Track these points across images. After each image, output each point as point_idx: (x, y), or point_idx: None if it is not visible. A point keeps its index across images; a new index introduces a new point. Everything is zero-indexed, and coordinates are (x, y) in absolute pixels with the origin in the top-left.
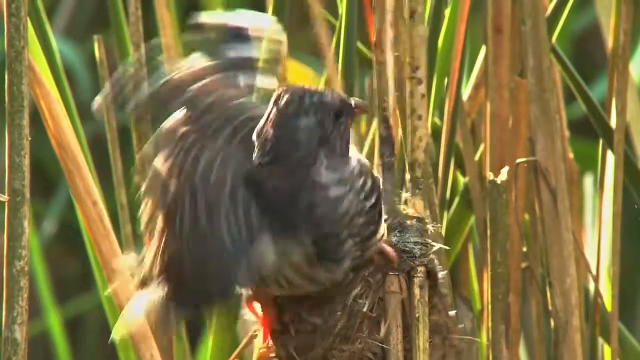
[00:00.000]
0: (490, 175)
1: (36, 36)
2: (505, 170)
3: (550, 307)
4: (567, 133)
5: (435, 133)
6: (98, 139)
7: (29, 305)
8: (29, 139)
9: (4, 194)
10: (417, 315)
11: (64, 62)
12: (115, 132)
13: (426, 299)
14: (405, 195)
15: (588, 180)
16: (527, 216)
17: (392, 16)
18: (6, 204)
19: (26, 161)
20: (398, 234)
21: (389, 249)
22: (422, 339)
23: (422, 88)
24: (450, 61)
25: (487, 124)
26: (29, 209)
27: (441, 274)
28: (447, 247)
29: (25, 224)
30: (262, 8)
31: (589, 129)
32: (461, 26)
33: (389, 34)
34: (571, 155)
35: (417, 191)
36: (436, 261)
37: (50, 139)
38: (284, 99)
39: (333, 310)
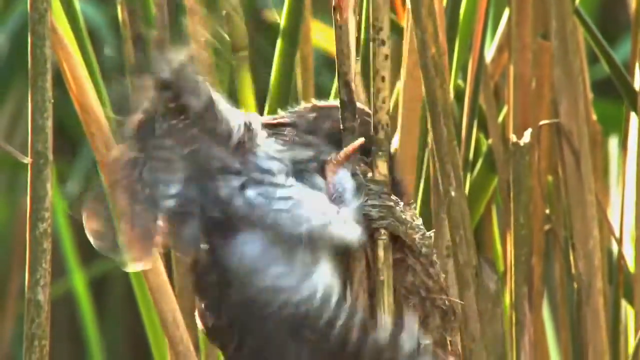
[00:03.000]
0: (513, 138)
1: None
2: (528, 132)
3: (573, 270)
4: (590, 95)
5: (459, 95)
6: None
7: (52, 267)
8: (52, 101)
9: (26, 156)
10: (381, 278)
11: (87, 23)
12: None
13: (390, 261)
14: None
15: (612, 142)
16: (550, 178)
17: None
18: (29, 166)
19: (49, 123)
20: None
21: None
22: (386, 302)
23: (385, 49)
24: (474, 23)
25: (510, 86)
26: (52, 171)
27: (419, 236)
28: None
29: (48, 186)
30: None
31: (612, 91)
32: None
33: None
34: (594, 117)
35: (380, 153)
36: (411, 222)
37: (73, 101)
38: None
39: None
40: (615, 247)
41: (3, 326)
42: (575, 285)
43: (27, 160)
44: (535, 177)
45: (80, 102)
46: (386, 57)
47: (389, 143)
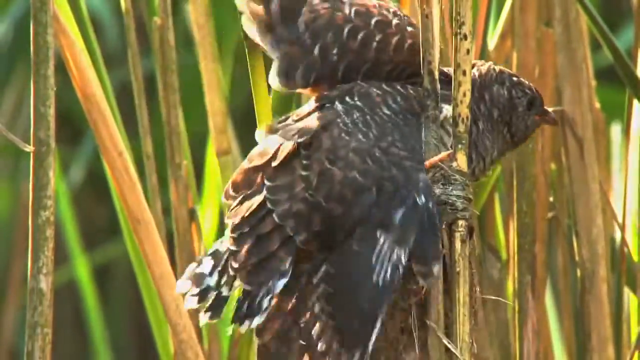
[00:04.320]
0: None
1: None
2: None
3: (576, 257)
4: (593, 82)
5: None
6: (124, 89)
7: (56, 255)
8: (54, 89)
9: (29, 144)
10: (457, 269)
11: (90, 11)
12: (141, 82)
13: (467, 253)
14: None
15: (614, 129)
16: (553, 166)
17: None
18: (31, 154)
19: (51, 111)
20: (441, 187)
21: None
22: (462, 293)
23: (467, 44)
24: (477, 10)
25: None
26: (55, 158)
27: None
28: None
29: (51, 173)
30: None
31: (615, 78)
32: None
33: None
34: (597, 104)
35: (460, 146)
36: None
37: (75, 89)
38: (485, 67)
39: None
40: (618, 234)
41: (6, 314)
42: (579, 273)
43: (30, 148)
44: (538, 164)
45: (83, 89)
46: (468, 51)
47: (469, 136)
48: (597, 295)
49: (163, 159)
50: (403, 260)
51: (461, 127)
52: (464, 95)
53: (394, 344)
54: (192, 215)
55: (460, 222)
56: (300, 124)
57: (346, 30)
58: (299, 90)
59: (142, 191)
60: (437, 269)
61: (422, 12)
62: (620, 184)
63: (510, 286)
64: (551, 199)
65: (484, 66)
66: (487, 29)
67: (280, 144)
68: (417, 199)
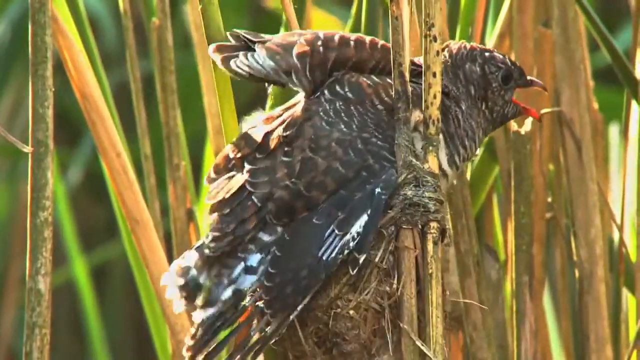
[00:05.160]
0: (514, 126)
1: None
2: (529, 121)
3: (574, 258)
4: (591, 83)
5: None
6: (122, 90)
7: (54, 255)
8: (53, 90)
9: (27, 144)
10: (430, 271)
11: (89, 12)
12: (139, 83)
13: (439, 255)
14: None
15: (612, 130)
16: (551, 167)
17: None
18: (30, 154)
19: (49, 112)
20: (413, 188)
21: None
22: (435, 295)
23: (436, 45)
24: (475, 10)
25: None
26: (53, 159)
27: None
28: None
29: (49, 174)
30: None
31: (613, 78)
32: None
33: None
34: (596, 105)
35: (431, 148)
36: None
37: (74, 89)
38: (456, 46)
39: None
40: (616, 235)
41: (4, 315)
42: (577, 274)
43: (28, 149)
44: (536, 165)
45: (81, 90)
46: (438, 53)
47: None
48: (595, 295)
49: (161, 160)
50: (351, 245)
51: (432, 129)
52: (434, 97)
53: (367, 347)
54: (190, 215)
55: (433, 224)
56: (285, 115)
57: (322, 34)
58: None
59: (141, 192)
60: (362, 259)
61: (392, 14)
62: (618, 184)
63: (508, 287)
64: (549, 199)
65: (455, 45)
66: (485, 30)
67: (267, 132)
68: (375, 189)
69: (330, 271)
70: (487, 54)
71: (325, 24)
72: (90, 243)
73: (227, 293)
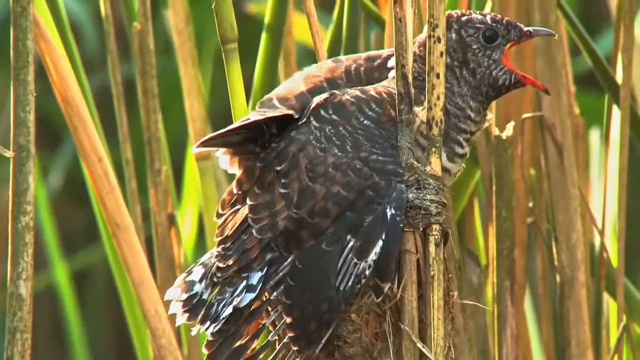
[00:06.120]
0: (496, 131)
1: None
2: (511, 126)
3: (556, 263)
4: (573, 88)
5: None
6: (104, 94)
7: (35, 260)
8: (35, 94)
9: (8, 149)
10: (432, 273)
11: (70, 17)
12: (120, 87)
13: (441, 257)
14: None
15: (594, 135)
16: (533, 171)
17: None
18: (11, 159)
19: (31, 117)
20: (415, 191)
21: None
22: (436, 297)
23: (440, 46)
24: None
25: None
26: (35, 164)
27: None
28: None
29: (31, 179)
30: None
31: (595, 83)
32: None
33: None
34: (577, 110)
35: (433, 149)
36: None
37: (55, 94)
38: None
39: None
40: (597, 240)
41: None
42: (558, 278)
43: (10, 153)
44: (518, 170)
45: (63, 94)
46: (441, 54)
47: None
48: (577, 300)
49: (142, 164)
50: (367, 273)
51: (435, 130)
52: (438, 98)
53: (369, 349)
54: (172, 220)
55: (435, 227)
56: (279, 147)
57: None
58: None
59: (122, 196)
60: (387, 287)
61: (395, 15)
62: (599, 189)
63: (490, 291)
64: (530, 204)
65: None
66: None
67: (261, 166)
68: (387, 210)
69: (349, 301)
70: (464, 18)
71: (307, 29)
72: (71, 247)
73: (228, 310)
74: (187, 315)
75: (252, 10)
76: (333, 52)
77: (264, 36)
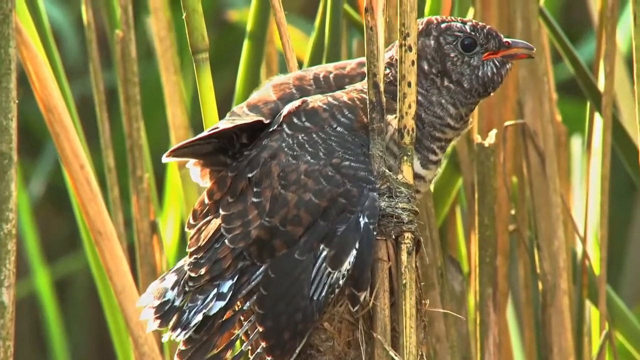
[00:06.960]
0: (478, 138)
1: None
2: (493, 133)
3: (538, 270)
4: (554, 95)
5: None
6: (86, 101)
7: (16, 267)
8: (17, 101)
9: None
10: (404, 281)
11: (52, 24)
12: (102, 95)
13: (413, 265)
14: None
15: (576, 142)
16: (515, 179)
17: None
18: None
19: (13, 124)
20: (387, 199)
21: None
22: (408, 305)
23: (412, 55)
24: None
25: None
26: (17, 171)
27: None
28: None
29: (13, 186)
30: None
31: (576, 90)
32: None
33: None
34: (559, 117)
35: (405, 158)
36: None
37: (37, 101)
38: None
39: None
40: (579, 247)
41: None
42: (540, 286)
43: None
44: (500, 177)
45: (45, 102)
46: (413, 62)
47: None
48: (559, 308)
49: (125, 172)
50: (341, 282)
51: (407, 139)
52: (409, 107)
53: (341, 358)
54: (154, 227)
55: (407, 235)
56: (251, 154)
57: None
58: None
59: (104, 203)
60: (364, 296)
61: (366, 24)
62: (581, 196)
63: (472, 299)
64: (512, 211)
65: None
66: None
67: (233, 175)
68: (360, 219)
69: (323, 310)
70: (443, 25)
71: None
72: (52, 255)
73: (198, 317)
74: (158, 321)
75: (233, 18)
76: (315, 59)
77: (246, 43)
